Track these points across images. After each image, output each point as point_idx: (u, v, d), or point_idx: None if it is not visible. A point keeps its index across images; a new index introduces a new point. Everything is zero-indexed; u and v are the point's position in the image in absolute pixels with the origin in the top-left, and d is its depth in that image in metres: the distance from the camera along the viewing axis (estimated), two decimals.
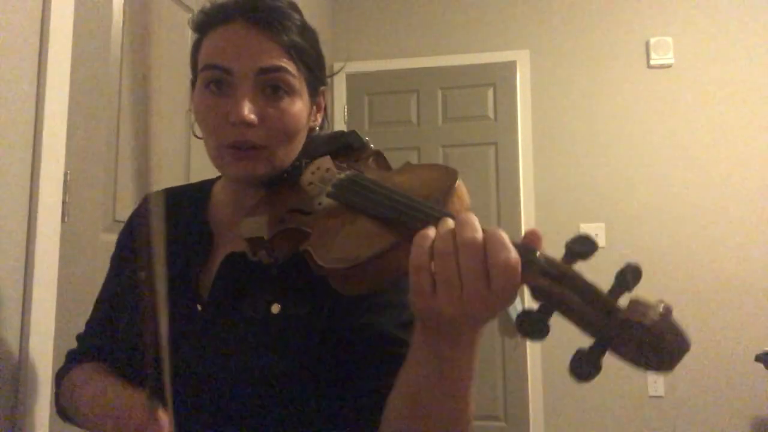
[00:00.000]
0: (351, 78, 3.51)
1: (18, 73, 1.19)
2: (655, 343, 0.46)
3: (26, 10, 1.21)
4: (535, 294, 0.52)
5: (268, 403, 0.73)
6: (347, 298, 0.73)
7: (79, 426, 0.90)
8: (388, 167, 0.83)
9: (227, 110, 0.77)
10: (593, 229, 3.21)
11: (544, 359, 3.19)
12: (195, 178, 1.83)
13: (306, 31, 0.84)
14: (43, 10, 1.24)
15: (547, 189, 3.31)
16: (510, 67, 3.41)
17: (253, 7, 0.79)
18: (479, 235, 0.52)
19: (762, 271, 3.05)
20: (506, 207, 3.32)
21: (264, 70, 0.77)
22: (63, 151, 1.29)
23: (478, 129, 3.42)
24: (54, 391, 0.95)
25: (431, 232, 0.55)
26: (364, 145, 0.85)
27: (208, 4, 0.85)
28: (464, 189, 0.66)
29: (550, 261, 0.52)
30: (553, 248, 0.54)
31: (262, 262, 0.73)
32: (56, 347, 1.24)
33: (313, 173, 0.77)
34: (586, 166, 3.29)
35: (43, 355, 1.21)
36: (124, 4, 1.60)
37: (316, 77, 0.85)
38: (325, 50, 0.93)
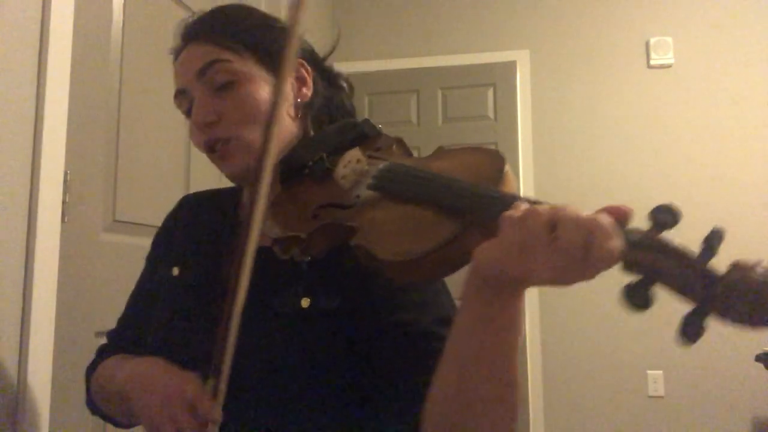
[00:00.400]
0: (351, 78, 3.49)
1: (18, 73, 1.19)
2: (761, 300, 0.46)
3: (26, 10, 1.21)
4: (630, 268, 0.50)
5: (298, 397, 0.73)
6: (379, 295, 0.74)
7: (110, 415, 0.90)
8: (410, 154, 0.81)
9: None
10: None
11: (543, 359, 3.19)
12: (195, 184, 1.84)
13: (243, 17, 0.86)
14: (43, 10, 1.24)
15: (547, 189, 3.31)
16: (510, 67, 3.41)
17: (188, 31, 0.85)
18: (584, 217, 0.49)
19: None
20: None
21: (201, 72, 0.81)
22: (63, 151, 1.29)
23: (478, 129, 3.42)
24: (85, 386, 0.94)
25: (524, 207, 0.52)
26: (379, 133, 0.83)
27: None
28: (512, 174, 0.63)
29: (641, 234, 0.51)
30: None
31: (293, 259, 0.70)
32: (56, 347, 1.24)
33: (345, 166, 0.74)
34: (586, 166, 3.29)
35: (44, 354, 1.21)
36: (124, 4, 1.60)
37: (270, 53, 0.83)
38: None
